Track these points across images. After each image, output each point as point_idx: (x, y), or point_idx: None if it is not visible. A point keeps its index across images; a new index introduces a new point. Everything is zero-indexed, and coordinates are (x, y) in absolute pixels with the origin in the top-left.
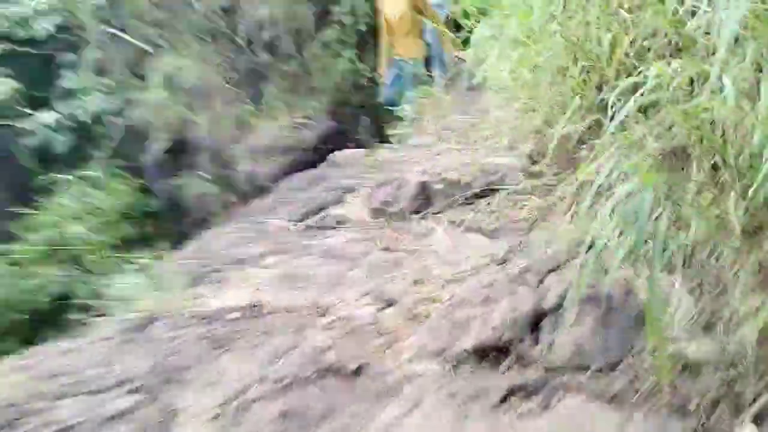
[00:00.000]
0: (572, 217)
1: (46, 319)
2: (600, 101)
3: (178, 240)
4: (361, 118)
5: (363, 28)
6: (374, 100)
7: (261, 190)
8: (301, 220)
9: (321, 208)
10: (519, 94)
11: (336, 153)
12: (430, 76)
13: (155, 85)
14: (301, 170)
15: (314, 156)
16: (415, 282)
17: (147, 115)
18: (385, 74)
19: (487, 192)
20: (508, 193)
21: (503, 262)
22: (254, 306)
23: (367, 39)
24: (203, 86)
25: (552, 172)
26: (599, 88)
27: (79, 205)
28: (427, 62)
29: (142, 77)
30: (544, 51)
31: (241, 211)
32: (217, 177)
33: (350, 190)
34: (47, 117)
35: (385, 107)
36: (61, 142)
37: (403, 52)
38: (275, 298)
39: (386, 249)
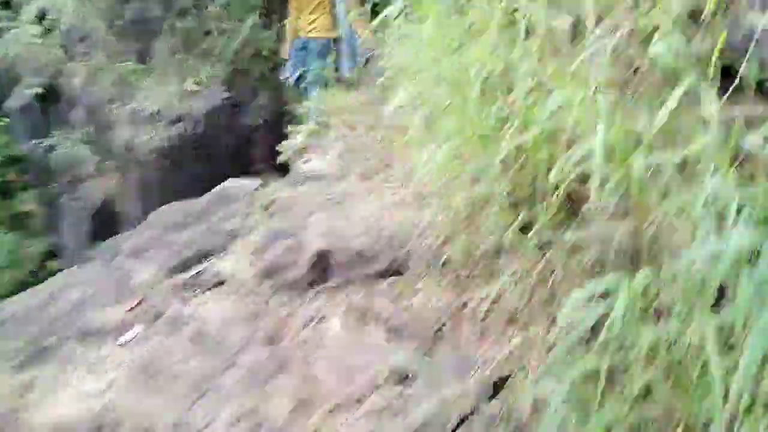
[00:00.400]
0: (481, 334)
1: None
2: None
3: (43, 201)
4: (259, 93)
5: None
6: (276, 75)
7: (140, 165)
8: (175, 272)
9: (201, 257)
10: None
11: (224, 184)
12: (337, 67)
13: (27, 19)
14: (188, 144)
15: (203, 129)
16: (299, 403)
17: (16, 51)
18: (288, 51)
19: (393, 269)
20: (417, 278)
21: (403, 380)
22: (100, 428)
23: (275, 6)
24: (83, 30)
25: (467, 261)
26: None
27: None
28: (336, 44)
29: (8, 3)
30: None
31: (104, 245)
32: (92, 139)
33: (237, 235)
34: None
35: (287, 85)
36: None
37: (309, 30)
38: (129, 410)
39: (270, 339)
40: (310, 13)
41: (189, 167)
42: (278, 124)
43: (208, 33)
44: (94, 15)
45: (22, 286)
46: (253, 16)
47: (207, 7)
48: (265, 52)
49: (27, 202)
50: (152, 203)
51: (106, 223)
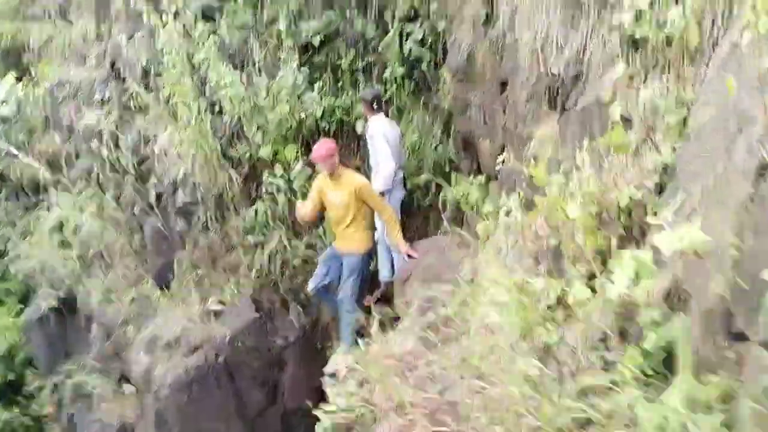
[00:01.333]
0: None
1: None
2: None
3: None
4: (290, 307)
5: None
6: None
7: (157, 397)
8: None
9: None
10: None
11: None
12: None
13: (46, 230)
14: (209, 375)
15: (226, 355)
16: None
17: (32, 264)
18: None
19: None
20: None
21: None
22: None
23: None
24: (100, 243)
25: None
26: None
27: None
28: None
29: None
30: None
31: None
32: (108, 360)
33: None
34: None
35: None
36: None
37: (342, 245)
38: None
39: None
40: (347, 227)
41: (210, 399)
42: (310, 342)
43: (232, 248)
44: (112, 229)
45: None
46: (280, 229)
47: (230, 215)
48: (295, 262)
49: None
50: None
51: None
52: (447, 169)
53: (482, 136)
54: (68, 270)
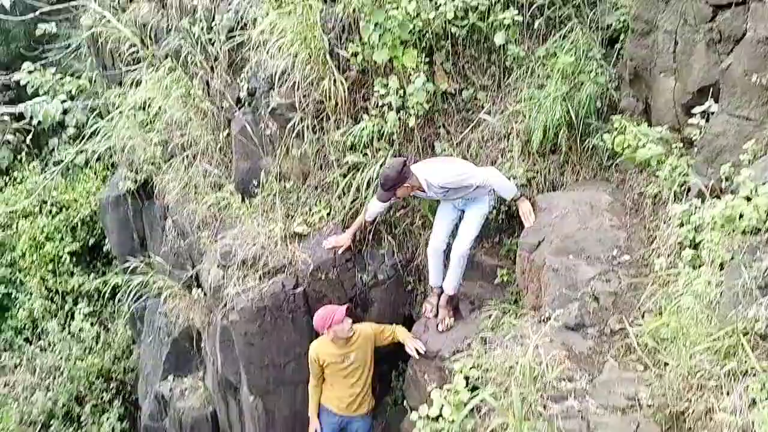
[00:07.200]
0: None
1: None
2: None
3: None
4: (383, 240)
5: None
6: (404, 218)
7: (224, 319)
8: None
9: None
10: None
11: None
12: None
13: (129, 107)
14: (282, 307)
15: (305, 287)
16: None
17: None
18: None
19: None
20: None
21: None
22: None
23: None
24: (184, 136)
25: None
26: None
27: None
28: None
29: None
30: None
31: None
32: (177, 266)
33: None
34: None
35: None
36: None
37: (350, 407)
38: None
39: None
40: (352, 386)
41: (282, 332)
42: (400, 282)
43: (328, 164)
44: (197, 120)
45: None
46: (386, 152)
47: (329, 133)
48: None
49: None
50: (233, 364)
51: (182, 353)
52: (599, 105)
53: (666, 72)
54: (148, 155)
